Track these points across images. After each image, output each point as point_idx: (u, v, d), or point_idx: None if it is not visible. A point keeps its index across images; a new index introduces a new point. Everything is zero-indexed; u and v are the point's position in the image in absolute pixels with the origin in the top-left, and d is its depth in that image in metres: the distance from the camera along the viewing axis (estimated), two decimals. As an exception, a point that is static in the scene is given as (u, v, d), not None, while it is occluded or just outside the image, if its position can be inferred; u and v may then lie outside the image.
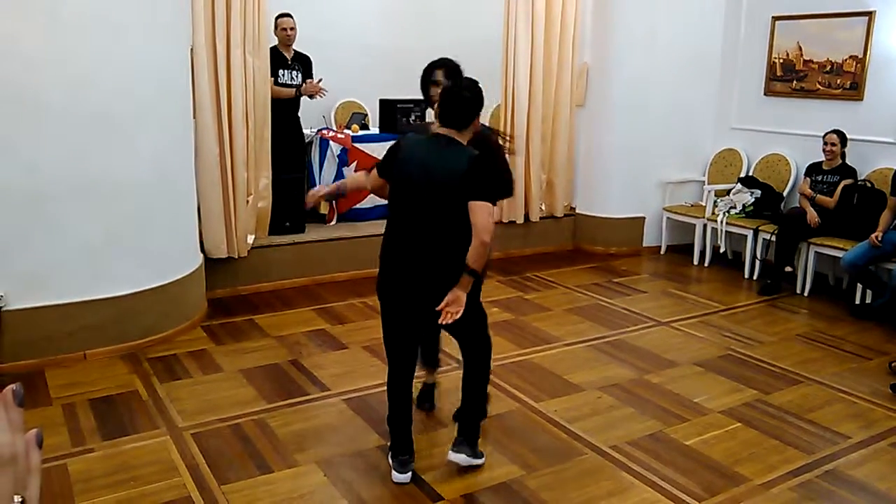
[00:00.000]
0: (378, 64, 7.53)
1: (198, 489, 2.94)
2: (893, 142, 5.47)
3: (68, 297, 4.05)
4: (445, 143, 2.83)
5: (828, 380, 4.12)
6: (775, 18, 6.29)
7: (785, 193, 6.17)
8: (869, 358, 4.46)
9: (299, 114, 5.99)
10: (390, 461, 3.04)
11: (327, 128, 6.45)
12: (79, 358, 4.12)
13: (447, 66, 3.34)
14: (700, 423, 3.58)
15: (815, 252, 5.58)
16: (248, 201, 5.26)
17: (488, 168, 2.78)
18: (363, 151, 6.14)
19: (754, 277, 6.03)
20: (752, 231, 5.99)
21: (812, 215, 5.51)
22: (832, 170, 5.61)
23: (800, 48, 6.16)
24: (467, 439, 3.05)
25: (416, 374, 3.13)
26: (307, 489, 2.97)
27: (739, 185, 6.29)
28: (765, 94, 6.47)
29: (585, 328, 4.87)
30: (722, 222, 6.17)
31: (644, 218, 6.84)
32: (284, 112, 5.71)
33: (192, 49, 4.72)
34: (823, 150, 5.59)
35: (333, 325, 4.82)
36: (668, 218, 6.76)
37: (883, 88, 5.63)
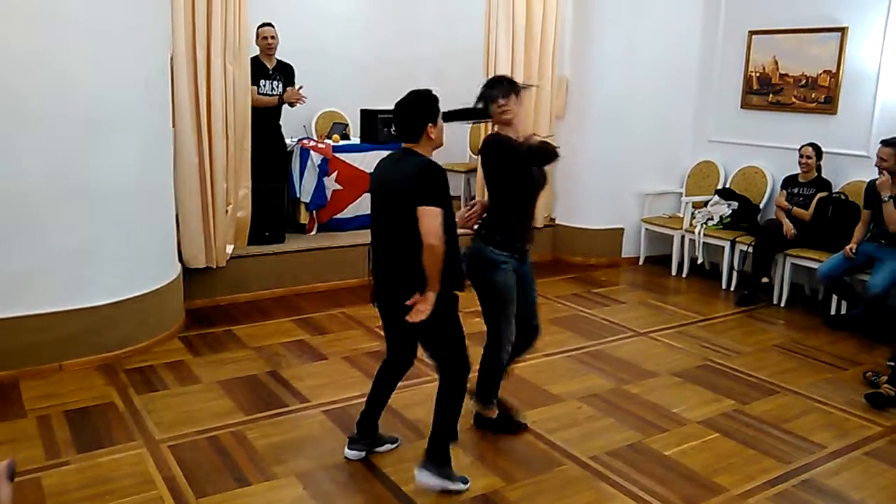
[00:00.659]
0: (359, 74, 7.55)
1: (175, 502, 2.90)
2: (866, 155, 5.56)
3: (44, 306, 4.00)
4: (401, 156, 2.96)
5: (804, 390, 4.17)
6: (752, 33, 6.39)
7: (761, 205, 6.25)
8: (844, 368, 4.52)
9: (280, 123, 5.97)
10: None
11: (308, 137, 6.44)
12: (54, 369, 4.07)
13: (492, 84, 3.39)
14: (679, 434, 3.60)
15: (792, 263, 5.66)
16: (227, 211, 5.23)
17: (434, 174, 2.83)
18: (344, 161, 6.14)
19: (731, 288, 6.10)
20: (729, 242, 6.05)
21: (788, 227, 5.59)
22: (808, 182, 5.69)
23: (776, 62, 6.26)
24: (432, 458, 3.00)
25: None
26: (285, 502, 2.95)
27: (717, 197, 6.37)
28: (742, 107, 6.56)
29: (565, 338, 4.89)
30: (700, 234, 6.24)
31: (623, 229, 6.89)
32: (266, 121, 5.69)
33: (171, 57, 4.69)
34: (799, 163, 5.68)
35: (313, 335, 4.80)
36: (646, 229, 6.82)
37: (856, 102, 5.73)
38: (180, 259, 4.97)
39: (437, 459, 3.00)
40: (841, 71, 5.79)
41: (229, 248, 5.32)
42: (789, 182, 5.82)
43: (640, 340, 4.93)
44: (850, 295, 5.26)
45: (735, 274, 6.10)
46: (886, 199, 4.88)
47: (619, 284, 6.35)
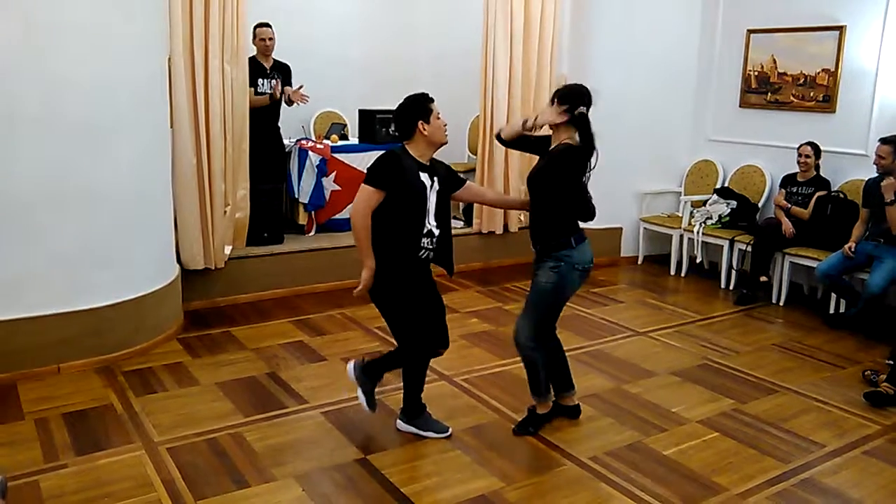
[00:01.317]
0: (357, 74, 7.54)
1: (173, 505, 2.90)
2: (865, 154, 5.56)
3: (42, 309, 3.99)
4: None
5: (803, 389, 4.17)
6: (750, 32, 6.39)
7: (760, 204, 6.25)
8: (843, 367, 4.52)
9: (279, 124, 5.97)
10: None
11: (306, 138, 6.43)
12: (52, 371, 4.06)
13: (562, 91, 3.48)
14: (678, 433, 3.60)
15: (790, 262, 5.66)
16: (225, 212, 5.22)
17: (379, 160, 3.18)
18: (342, 162, 6.13)
19: (730, 287, 6.09)
20: (728, 241, 6.05)
21: (787, 226, 5.59)
22: (806, 181, 5.69)
23: (774, 61, 6.26)
24: (404, 411, 3.52)
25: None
26: None
27: (715, 196, 6.37)
28: (740, 106, 6.56)
29: (564, 338, 4.81)
30: (698, 233, 6.23)
31: (621, 228, 6.89)
32: (264, 122, 5.69)
33: (169, 58, 4.69)
34: (798, 162, 5.68)
35: (312, 336, 4.79)
36: (645, 228, 6.82)
37: (854, 101, 5.73)
38: (178, 260, 4.97)
39: (408, 413, 3.52)
40: (839, 69, 5.79)
41: (228, 249, 5.31)
42: (788, 181, 5.82)
43: (639, 340, 4.93)
44: (849, 294, 5.26)
45: (734, 273, 6.10)
46: (889, 201, 4.87)
47: (618, 284, 6.35)
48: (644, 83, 6.59)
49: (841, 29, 5.75)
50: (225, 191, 5.19)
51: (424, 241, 3.22)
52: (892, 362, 4.18)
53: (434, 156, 3.30)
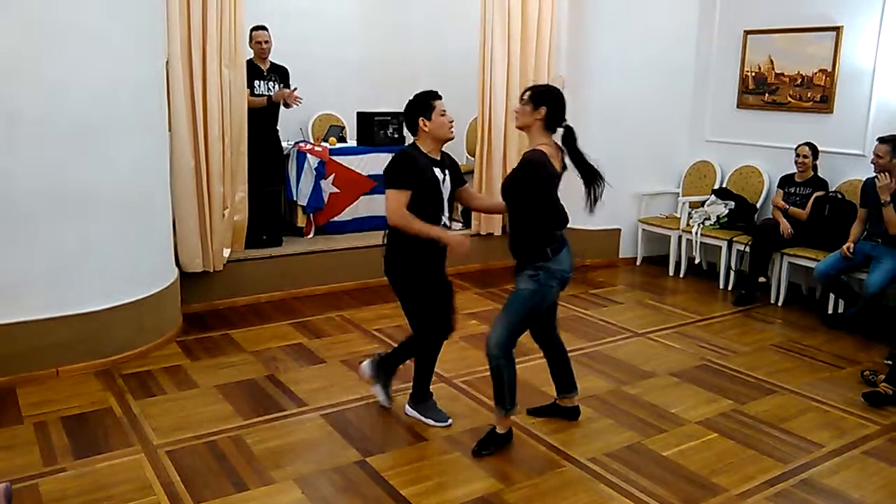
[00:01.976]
0: (355, 77, 7.55)
1: (173, 508, 2.90)
2: (862, 154, 5.57)
3: (40, 312, 3.99)
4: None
5: (802, 389, 4.17)
6: (747, 33, 6.40)
7: (758, 205, 6.26)
8: (841, 367, 4.53)
9: (278, 126, 5.97)
10: None
11: (304, 140, 6.44)
12: (51, 374, 4.06)
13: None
14: (677, 434, 3.60)
15: (789, 263, 5.66)
16: (224, 214, 5.22)
17: (395, 162, 3.29)
18: (341, 164, 6.14)
19: (729, 288, 6.10)
20: (726, 242, 6.06)
21: (785, 226, 5.59)
22: (804, 182, 5.70)
23: (771, 62, 6.27)
24: (412, 396, 3.66)
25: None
26: (284, 506, 2.94)
27: (713, 197, 6.37)
28: (738, 106, 6.57)
29: (563, 340, 4.87)
30: (697, 234, 6.24)
31: (620, 230, 6.90)
32: (263, 124, 5.69)
33: (167, 61, 4.69)
34: (795, 163, 5.69)
35: (311, 339, 4.79)
36: (643, 229, 6.82)
37: (851, 101, 5.74)
38: (177, 263, 4.96)
39: (415, 397, 3.66)
40: (836, 70, 5.80)
41: (226, 252, 5.31)
42: (786, 181, 5.83)
43: (638, 341, 4.93)
44: (848, 294, 5.26)
45: (732, 274, 6.10)
46: (885, 203, 4.88)
47: (617, 285, 6.35)
48: (641, 84, 6.60)
49: (838, 29, 5.76)
50: (223, 193, 5.19)
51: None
52: (890, 362, 4.19)
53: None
